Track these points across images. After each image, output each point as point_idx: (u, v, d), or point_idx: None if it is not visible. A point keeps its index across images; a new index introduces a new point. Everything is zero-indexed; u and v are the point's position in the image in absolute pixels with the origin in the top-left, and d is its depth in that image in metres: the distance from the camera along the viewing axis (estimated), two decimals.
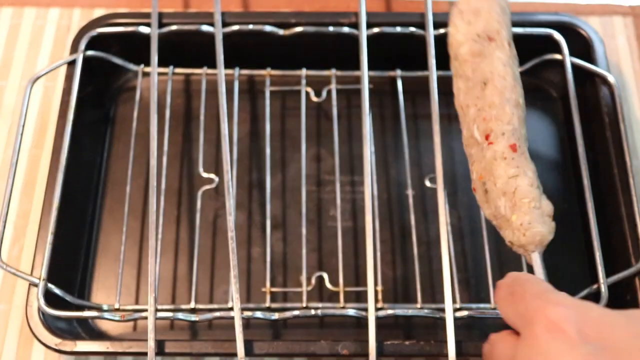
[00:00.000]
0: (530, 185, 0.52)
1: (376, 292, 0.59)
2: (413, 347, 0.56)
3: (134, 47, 0.70)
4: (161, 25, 0.68)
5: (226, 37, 0.67)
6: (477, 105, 0.56)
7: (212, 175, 0.66)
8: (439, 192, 0.60)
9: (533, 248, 0.52)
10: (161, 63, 0.67)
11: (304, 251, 0.62)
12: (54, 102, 0.73)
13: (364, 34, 0.67)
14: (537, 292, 0.41)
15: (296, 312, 0.59)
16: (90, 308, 0.61)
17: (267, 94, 0.70)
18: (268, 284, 0.62)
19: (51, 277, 0.58)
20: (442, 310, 0.58)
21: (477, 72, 0.57)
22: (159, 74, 0.67)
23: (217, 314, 0.59)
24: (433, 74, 0.65)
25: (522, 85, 0.57)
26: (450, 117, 0.72)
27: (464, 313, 0.59)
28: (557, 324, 0.37)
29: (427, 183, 0.67)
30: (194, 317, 0.59)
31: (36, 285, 0.58)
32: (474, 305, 0.61)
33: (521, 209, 0.51)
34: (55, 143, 0.64)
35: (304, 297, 0.61)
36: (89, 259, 0.65)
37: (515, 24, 0.68)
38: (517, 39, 0.66)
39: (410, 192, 0.66)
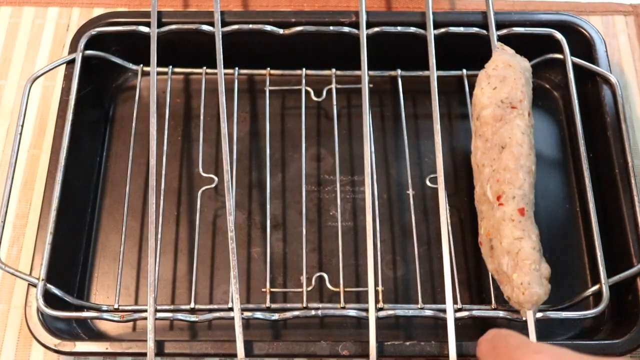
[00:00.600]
0: (533, 248, 0.56)
1: (377, 292, 0.59)
2: (414, 347, 0.56)
3: (133, 46, 0.70)
4: (160, 24, 0.68)
5: (226, 36, 0.67)
6: (492, 166, 0.60)
7: (212, 175, 0.66)
8: (440, 192, 0.60)
9: (529, 307, 0.55)
10: (160, 62, 0.66)
11: (304, 251, 0.62)
12: (53, 101, 0.73)
13: (364, 33, 0.67)
14: (517, 343, 0.45)
15: (296, 313, 0.59)
16: (89, 308, 0.61)
17: (267, 94, 0.70)
18: (268, 284, 0.62)
19: (50, 277, 0.58)
20: (443, 310, 0.58)
21: (496, 135, 0.60)
22: (159, 73, 0.67)
23: (217, 314, 0.59)
24: (434, 73, 0.64)
25: (535, 153, 0.60)
26: (450, 117, 0.72)
27: (465, 313, 0.59)
28: None
29: (428, 183, 0.66)
30: (193, 318, 0.59)
31: (35, 285, 0.58)
32: (475, 306, 0.60)
33: (522, 269, 0.55)
34: (54, 143, 0.64)
35: (304, 298, 0.60)
36: (88, 259, 0.65)
37: (516, 24, 0.68)
38: (519, 39, 0.66)
39: (410, 192, 0.65)
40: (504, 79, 0.62)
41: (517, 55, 0.64)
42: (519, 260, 0.56)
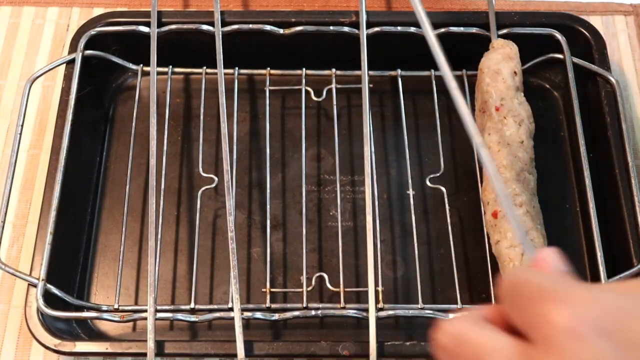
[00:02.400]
0: (508, 247, 0.57)
1: (377, 292, 0.59)
2: (414, 347, 0.56)
3: (133, 46, 0.70)
4: (160, 24, 0.68)
5: (226, 36, 0.67)
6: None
7: (212, 175, 0.66)
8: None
9: None
10: (160, 62, 0.66)
11: (304, 251, 0.62)
12: (52, 101, 0.72)
13: (364, 33, 0.67)
14: (538, 292, 0.31)
15: (296, 313, 0.59)
16: (89, 308, 0.61)
17: (267, 94, 0.70)
18: (268, 284, 0.62)
19: (50, 277, 0.58)
20: (443, 310, 0.58)
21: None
22: (158, 73, 0.67)
23: (217, 314, 0.59)
24: (449, 72, 0.64)
25: (518, 141, 0.60)
26: (451, 117, 0.71)
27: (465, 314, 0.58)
28: (573, 330, 0.29)
29: (428, 183, 0.66)
30: (193, 318, 0.59)
31: (35, 285, 0.58)
32: (475, 306, 0.60)
33: (504, 271, 0.57)
34: (54, 143, 0.64)
35: (304, 298, 0.60)
36: (88, 259, 0.65)
37: (516, 24, 0.68)
38: (519, 39, 0.66)
39: (410, 192, 0.65)
40: (478, 87, 0.64)
41: (504, 45, 0.64)
42: (501, 263, 0.57)
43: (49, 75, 0.71)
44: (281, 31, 0.68)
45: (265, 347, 0.56)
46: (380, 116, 0.71)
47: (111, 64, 0.70)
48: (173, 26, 0.68)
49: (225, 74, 0.65)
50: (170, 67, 0.71)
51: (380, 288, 0.60)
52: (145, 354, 0.55)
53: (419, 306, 0.60)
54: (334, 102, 0.69)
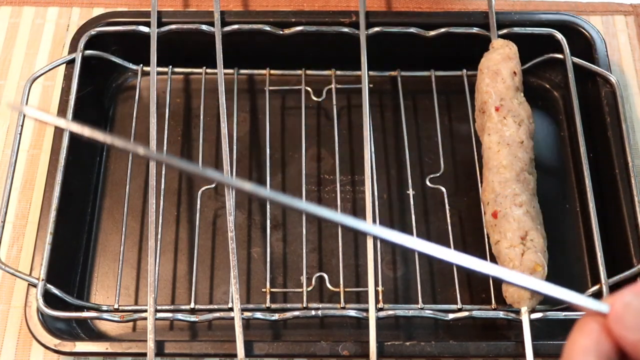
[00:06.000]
0: (509, 247, 0.57)
1: (377, 292, 0.59)
2: (414, 347, 0.56)
3: (133, 46, 0.70)
4: (160, 24, 0.68)
5: (226, 36, 0.67)
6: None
7: None
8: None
9: (518, 306, 0.56)
10: (160, 62, 0.66)
11: (304, 251, 0.62)
12: (53, 101, 0.72)
13: (364, 33, 0.67)
14: None
15: (296, 313, 0.59)
16: (89, 309, 0.61)
17: (267, 94, 0.70)
18: (268, 284, 0.62)
19: (50, 277, 0.58)
20: (443, 310, 0.58)
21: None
22: (158, 73, 0.67)
23: (217, 314, 0.59)
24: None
25: (518, 142, 0.60)
26: (451, 117, 0.71)
27: (465, 314, 0.59)
28: None
29: (428, 183, 0.66)
30: (193, 318, 0.59)
31: (35, 285, 0.58)
32: (475, 306, 0.60)
33: None
34: (54, 143, 0.64)
35: (304, 298, 0.60)
36: (88, 259, 0.65)
37: (516, 24, 0.68)
38: (519, 39, 0.66)
39: (410, 192, 0.65)
40: (477, 88, 0.64)
41: (503, 45, 0.64)
42: (500, 264, 0.57)
43: (49, 75, 0.71)
44: (281, 31, 0.68)
45: (265, 347, 0.56)
46: (380, 116, 0.71)
47: (111, 64, 0.70)
48: (173, 26, 0.68)
49: (225, 74, 0.65)
50: (170, 67, 0.71)
51: (380, 288, 0.60)
52: (145, 354, 0.55)
53: (419, 306, 0.60)
54: (334, 102, 0.69)
